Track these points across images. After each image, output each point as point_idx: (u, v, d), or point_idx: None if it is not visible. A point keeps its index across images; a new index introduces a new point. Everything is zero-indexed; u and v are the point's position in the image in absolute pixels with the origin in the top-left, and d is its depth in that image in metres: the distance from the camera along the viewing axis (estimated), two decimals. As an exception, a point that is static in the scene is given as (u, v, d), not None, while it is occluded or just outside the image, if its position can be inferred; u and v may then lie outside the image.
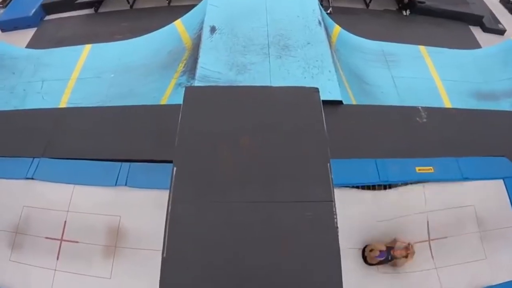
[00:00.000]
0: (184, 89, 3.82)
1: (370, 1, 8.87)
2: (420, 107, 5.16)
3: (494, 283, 4.15)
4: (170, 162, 3.23)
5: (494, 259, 4.24)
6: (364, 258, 4.18)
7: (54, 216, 4.16)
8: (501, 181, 4.59)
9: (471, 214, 4.40)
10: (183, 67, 5.77)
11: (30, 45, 7.59)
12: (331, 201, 2.98)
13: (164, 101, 5.45)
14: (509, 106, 5.94)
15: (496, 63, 6.77)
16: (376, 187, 4.41)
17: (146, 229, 4.02)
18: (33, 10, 8.17)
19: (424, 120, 5.02)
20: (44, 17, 8.41)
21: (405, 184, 4.46)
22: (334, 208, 2.95)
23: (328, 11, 8.09)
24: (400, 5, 8.83)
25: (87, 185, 4.30)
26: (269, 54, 5.37)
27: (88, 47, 6.69)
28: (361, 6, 8.99)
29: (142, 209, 4.16)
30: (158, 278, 2.70)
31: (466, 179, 4.55)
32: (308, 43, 5.57)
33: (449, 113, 5.37)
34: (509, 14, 8.98)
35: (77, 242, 4.07)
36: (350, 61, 6.40)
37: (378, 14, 8.79)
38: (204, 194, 3.01)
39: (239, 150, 3.24)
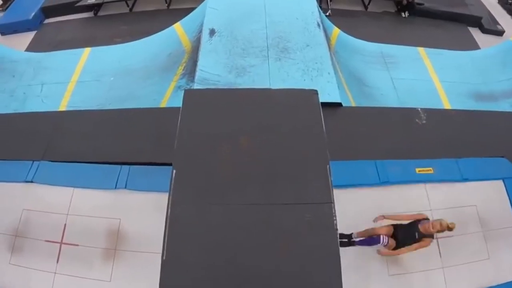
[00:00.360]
0: (183, 92, 3.83)
1: (369, 3, 8.89)
2: (419, 109, 5.17)
3: (497, 283, 4.14)
4: (170, 164, 3.24)
5: (497, 259, 4.24)
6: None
7: (54, 219, 4.16)
8: (501, 182, 4.59)
9: (473, 214, 4.41)
10: (183, 70, 5.78)
11: (30, 48, 7.60)
12: (330, 202, 2.98)
13: (163, 104, 5.45)
14: (508, 107, 5.95)
15: (495, 64, 6.78)
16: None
17: (145, 231, 4.02)
18: (33, 14, 8.19)
19: (424, 121, 5.03)
20: (44, 21, 8.43)
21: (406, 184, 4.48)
22: (333, 210, 2.95)
23: (327, 13, 8.12)
24: (399, 7, 8.85)
25: (86, 188, 4.30)
26: (268, 56, 5.38)
27: (87, 50, 6.71)
28: (360, 8, 9.01)
29: (142, 212, 4.16)
30: (158, 281, 2.70)
31: (466, 180, 4.56)
32: (307, 46, 5.58)
33: (449, 114, 5.37)
34: (507, 15, 9.00)
35: (77, 245, 4.07)
36: (349, 63, 6.41)
37: (377, 16, 8.81)
38: (204, 196, 3.02)
39: (238, 152, 3.24)
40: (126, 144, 4.58)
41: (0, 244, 4.09)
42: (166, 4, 8.67)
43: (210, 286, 2.72)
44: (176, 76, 5.77)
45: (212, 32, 5.69)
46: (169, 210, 2.97)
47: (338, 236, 2.86)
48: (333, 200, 2.99)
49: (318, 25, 5.90)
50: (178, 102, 3.70)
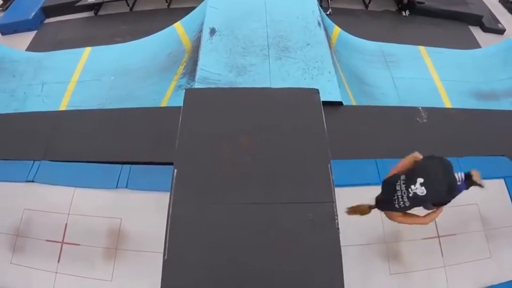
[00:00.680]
0: (184, 91, 3.83)
1: (369, 2, 8.88)
2: (420, 108, 5.16)
3: (499, 282, 4.15)
4: (171, 164, 3.23)
5: (498, 258, 4.24)
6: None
7: (55, 218, 4.17)
8: (502, 180, 4.59)
9: (475, 212, 4.41)
10: (183, 69, 5.78)
11: (30, 48, 7.59)
12: (332, 202, 2.98)
13: (164, 103, 5.45)
14: (509, 106, 5.94)
15: (496, 63, 6.77)
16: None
17: (147, 231, 4.02)
18: (33, 13, 8.17)
19: (425, 120, 5.02)
20: (44, 20, 8.41)
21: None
22: (335, 209, 2.95)
23: (328, 12, 8.10)
24: (399, 5, 8.83)
25: (88, 188, 4.30)
26: (269, 55, 5.38)
27: (88, 49, 6.70)
28: (361, 7, 8.99)
29: (143, 211, 4.16)
30: (160, 280, 2.70)
31: (466, 178, 4.54)
32: (308, 44, 5.57)
33: (449, 113, 5.37)
34: (508, 14, 8.98)
35: (78, 244, 4.07)
36: (350, 62, 6.41)
37: (378, 15, 8.79)
38: (205, 195, 3.02)
39: (239, 151, 3.24)
40: (127, 144, 4.58)
41: (2, 243, 4.10)
42: (167, 4, 8.66)
43: (212, 286, 2.72)
44: (177, 75, 5.77)
45: (212, 31, 5.68)
46: (171, 209, 2.97)
47: (339, 235, 2.86)
48: (335, 199, 2.99)
49: (319, 24, 5.90)
50: (179, 102, 3.70)
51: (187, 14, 6.65)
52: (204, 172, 3.16)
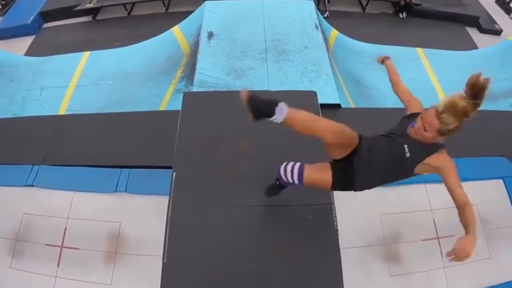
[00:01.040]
0: (182, 95, 3.84)
1: (366, 5, 8.91)
2: (418, 109, 5.16)
3: (498, 282, 4.15)
4: (170, 167, 3.25)
5: (498, 259, 4.24)
6: None
7: (54, 223, 4.16)
8: (501, 181, 4.59)
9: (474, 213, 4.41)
10: (181, 73, 5.79)
11: (29, 52, 7.61)
12: (330, 204, 2.99)
13: (162, 107, 5.46)
14: (507, 106, 5.96)
15: (493, 64, 6.79)
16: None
17: (146, 234, 4.02)
18: (31, 18, 8.19)
19: (423, 121, 5.03)
20: (43, 25, 8.43)
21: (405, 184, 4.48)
22: (333, 211, 2.96)
23: (325, 15, 8.13)
24: (396, 8, 8.86)
25: (87, 192, 4.29)
26: (266, 59, 5.39)
27: (86, 54, 6.72)
28: (358, 9, 9.03)
29: (142, 215, 4.16)
30: (159, 284, 2.71)
31: (465, 179, 4.54)
32: (306, 47, 5.59)
33: (447, 114, 5.38)
34: (505, 15, 9.02)
35: (77, 248, 4.06)
36: (348, 65, 6.42)
37: (375, 17, 8.83)
38: (204, 199, 3.03)
39: (238, 154, 3.25)
40: (125, 148, 4.59)
41: (1, 248, 4.09)
42: (164, 8, 8.69)
43: (211, 289, 2.73)
44: (175, 79, 5.78)
45: (210, 35, 5.70)
46: (170, 213, 2.99)
47: (338, 237, 2.87)
48: (333, 201, 3.00)
49: (316, 27, 5.92)
50: (177, 105, 3.72)
51: (185, 18, 6.67)
52: (203, 175, 3.17)
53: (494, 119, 5.26)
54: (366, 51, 6.86)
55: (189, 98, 3.79)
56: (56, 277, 3.96)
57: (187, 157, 3.28)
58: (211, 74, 5.13)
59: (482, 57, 7.00)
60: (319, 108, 3.60)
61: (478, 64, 6.83)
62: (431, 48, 7.11)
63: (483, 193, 4.52)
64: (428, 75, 6.61)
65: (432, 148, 2.42)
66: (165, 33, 6.66)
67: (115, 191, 4.27)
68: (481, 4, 9.11)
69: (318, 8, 7.12)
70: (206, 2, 6.33)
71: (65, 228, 4.14)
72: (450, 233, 4.23)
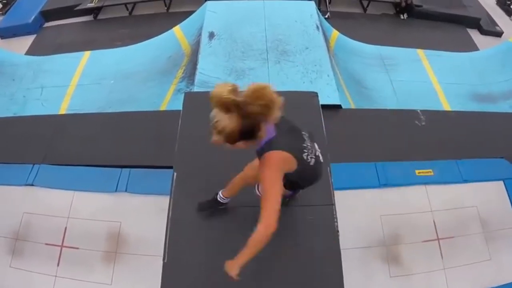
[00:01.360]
0: (183, 94, 3.84)
1: (367, 6, 8.92)
2: (419, 110, 5.18)
3: (498, 284, 4.15)
4: (171, 167, 3.25)
5: (498, 260, 4.24)
6: None
7: (54, 222, 4.16)
8: (501, 183, 4.60)
9: (474, 215, 4.41)
10: (182, 73, 5.80)
11: (30, 51, 7.62)
12: (331, 204, 2.99)
13: (163, 106, 5.46)
14: (507, 108, 5.96)
15: (494, 65, 6.80)
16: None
17: (146, 234, 4.02)
18: (33, 17, 8.20)
19: (423, 123, 5.04)
20: (44, 24, 8.44)
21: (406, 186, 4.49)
22: (334, 212, 2.96)
23: (326, 16, 8.14)
24: (397, 9, 8.87)
25: (87, 191, 4.30)
26: (267, 59, 5.40)
27: (87, 53, 6.72)
28: (359, 10, 9.04)
29: (143, 215, 4.16)
30: (159, 283, 2.71)
31: (465, 181, 4.56)
32: (307, 48, 5.60)
33: (448, 116, 5.39)
34: (506, 16, 9.04)
35: (77, 248, 4.06)
36: (349, 66, 6.43)
37: (376, 18, 8.84)
38: (205, 199, 3.02)
39: (239, 154, 3.24)
40: (126, 147, 4.59)
41: (1, 247, 4.09)
42: (166, 8, 8.70)
43: (211, 289, 2.73)
44: (176, 79, 5.79)
45: (211, 35, 5.71)
46: (170, 213, 2.98)
47: (339, 238, 2.87)
48: (334, 202, 3.00)
49: (317, 27, 5.92)
50: (178, 105, 3.71)
51: (186, 18, 6.67)
52: (204, 175, 3.17)
53: (494, 120, 5.28)
54: (367, 52, 6.87)
55: (190, 98, 3.79)
56: (56, 276, 3.96)
57: (188, 157, 3.28)
58: (212, 74, 5.14)
59: (482, 59, 7.00)
60: (320, 108, 3.60)
61: (479, 66, 6.84)
62: (432, 50, 7.12)
63: (483, 194, 4.53)
64: (429, 77, 6.61)
65: (260, 154, 2.11)
66: (166, 33, 6.67)
67: (116, 190, 4.27)
68: (482, 6, 9.12)
69: (319, 9, 7.12)
70: (207, 2, 6.34)
71: (65, 228, 4.14)
72: (451, 235, 4.26)
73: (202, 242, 2.90)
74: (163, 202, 3.32)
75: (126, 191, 4.26)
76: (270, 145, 2.04)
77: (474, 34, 8.44)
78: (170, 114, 4.60)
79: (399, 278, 4.08)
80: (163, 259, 2.80)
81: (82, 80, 6.26)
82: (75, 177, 4.37)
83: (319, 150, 2.40)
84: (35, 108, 5.81)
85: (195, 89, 4.91)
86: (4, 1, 8.91)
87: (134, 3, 8.66)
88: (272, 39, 5.70)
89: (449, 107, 5.99)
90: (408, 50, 7.02)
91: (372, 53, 6.84)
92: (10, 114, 5.62)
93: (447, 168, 4.60)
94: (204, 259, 2.82)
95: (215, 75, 5.12)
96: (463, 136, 4.95)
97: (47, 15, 8.46)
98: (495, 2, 9.41)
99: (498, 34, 8.43)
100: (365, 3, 8.96)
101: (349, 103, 5.38)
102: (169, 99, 5.53)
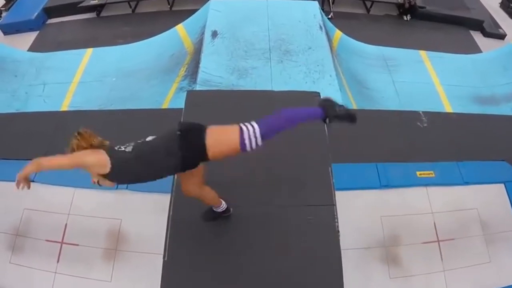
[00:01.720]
0: (185, 93, 3.84)
1: (371, 6, 8.91)
2: (421, 112, 5.17)
3: (498, 287, 4.14)
4: (172, 165, 3.22)
5: (498, 263, 4.24)
6: None
7: (54, 218, 4.17)
8: (502, 185, 4.59)
9: (475, 217, 4.41)
10: (185, 71, 5.79)
11: (32, 48, 7.62)
12: (332, 205, 2.99)
13: (165, 105, 5.45)
14: (509, 111, 5.94)
15: (496, 68, 6.79)
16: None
17: (147, 232, 4.02)
18: (35, 14, 8.21)
19: (425, 124, 5.03)
20: (46, 21, 8.45)
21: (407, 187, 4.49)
22: (335, 212, 2.96)
23: (329, 16, 8.13)
24: (401, 10, 8.86)
25: (88, 188, 4.30)
26: (270, 58, 5.39)
27: (90, 50, 6.72)
28: (362, 11, 9.03)
29: (143, 213, 4.17)
30: (159, 281, 2.71)
31: (466, 183, 4.56)
32: (309, 48, 5.59)
33: (450, 118, 5.38)
34: (509, 19, 9.01)
35: (77, 245, 4.07)
36: (351, 66, 6.42)
37: (379, 19, 8.83)
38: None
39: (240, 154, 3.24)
40: (127, 145, 4.58)
41: (1, 243, 4.10)
42: (169, 6, 8.69)
43: (211, 287, 2.73)
44: (178, 77, 5.78)
45: (214, 34, 5.70)
46: (171, 211, 2.98)
47: (339, 238, 2.87)
48: (335, 203, 3.00)
49: (320, 27, 5.91)
50: (180, 103, 3.71)
51: (189, 16, 6.66)
52: (205, 174, 3.16)
53: (496, 123, 5.27)
54: (370, 53, 6.86)
55: (192, 97, 3.79)
56: (55, 273, 3.96)
57: (189, 155, 3.28)
58: (215, 73, 5.13)
59: (485, 61, 6.99)
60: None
61: (481, 68, 6.82)
62: (434, 51, 7.11)
63: (484, 197, 4.53)
64: (431, 78, 6.60)
65: None
66: (169, 31, 6.66)
67: (116, 188, 4.27)
68: (486, 8, 9.10)
69: (322, 9, 7.11)
70: (211, 0, 6.33)
71: (66, 224, 4.15)
72: (451, 237, 4.26)
73: (202, 241, 2.90)
74: (163, 200, 3.32)
75: (127, 188, 4.26)
76: None
77: (477, 36, 8.43)
78: (172, 113, 4.60)
79: (398, 279, 4.08)
80: (163, 257, 2.80)
81: (84, 77, 6.26)
82: (76, 174, 4.35)
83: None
84: (37, 104, 5.82)
85: (198, 87, 4.91)
86: (7, -3, 8.92)
87: (137, 1, 8.65)
88: (275, 38, 5.70)
89: (451, 109, 5.98)
90: (410, 51, 7.01)
91: (375, 54, 6.83)
92: (12, 110, 5.62)
93: (448, 170, 4.59)
94: (204, 257, 2.82)
95: (217, 74, 5.11)
96: (465, 138, 4.94)
97: (50, 11, 8.46)
98: (499, 5, 9.39)
99: (501, 36, 8.41)
100: (368, 4, 8.95)
101: (351, 104, 5.37)
102: (171, 98, 5.53)
